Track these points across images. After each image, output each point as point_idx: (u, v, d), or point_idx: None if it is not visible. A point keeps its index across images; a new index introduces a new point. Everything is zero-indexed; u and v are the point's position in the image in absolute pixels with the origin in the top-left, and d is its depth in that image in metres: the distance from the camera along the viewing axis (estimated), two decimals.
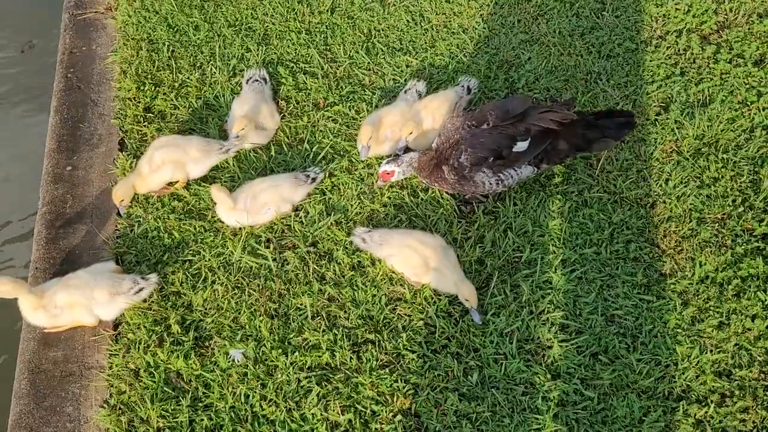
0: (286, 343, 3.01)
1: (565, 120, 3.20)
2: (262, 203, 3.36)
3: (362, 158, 3.64)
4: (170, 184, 3.65)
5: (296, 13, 4.66)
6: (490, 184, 3.28)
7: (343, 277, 3.24)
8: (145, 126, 4.01)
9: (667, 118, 3.90)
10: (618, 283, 3.20)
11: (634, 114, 3.55)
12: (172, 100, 4.13)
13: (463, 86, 3.88)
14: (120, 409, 2.85)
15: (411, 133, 3.60)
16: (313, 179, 3.56)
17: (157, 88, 4.21)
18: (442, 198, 3.54)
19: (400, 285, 3.19)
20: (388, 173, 3.40)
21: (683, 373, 2.89)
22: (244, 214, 3.35)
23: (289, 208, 3.47)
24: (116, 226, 3.54)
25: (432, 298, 3.14)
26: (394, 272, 3.23)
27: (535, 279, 3.20)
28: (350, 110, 4.02)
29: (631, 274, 3.23)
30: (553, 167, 3.61)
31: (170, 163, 3.50)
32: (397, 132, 3.69)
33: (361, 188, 3.62)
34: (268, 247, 3.37)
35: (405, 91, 3.95)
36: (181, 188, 3.63)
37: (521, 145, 3.20)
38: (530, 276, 3.22)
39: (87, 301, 2.97)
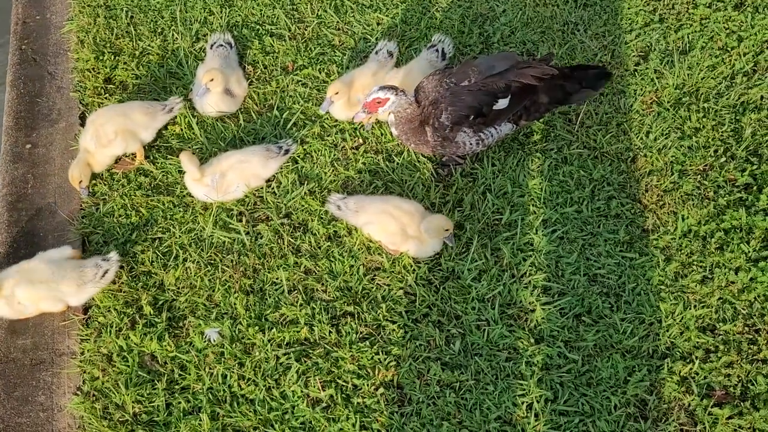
0: (263, 320, 2.92)
1: (545, 75, 3.08)
2: (230, 181, 3.24)
3: (321, 111, 3.49)
4: (129, 156, 3.50)
5: None
6: (471, 144, 3.17)
7: (319, 248, 3.14)
8: (106, 98, 3.83)
9: (647, 68, 3.79)
10: (600, 242, 3.13)
11: (605, 67, 3.43)
12: (133, 69, 3.94)
13: (437, 50, 3.72)
14: (94, 395, 2.77)
15: (337, 93, 3.44)
16: (286, 151, 3.43)
17: (117, 58, 4.02)
18: (419, 162, 3.43)
19: (378, 254, 3.11)
20: (379, 102, 3.05)
21: (667, 331, 2.85)
22: (212, 190, 3.23)
23: (261, 182, 3.35)
24: (81, 205, 3.40)
25: (411, 266, 3.06)
26: (371, 241, 3.14)
27: (516, 241, 3.13)
28: (320, 73, 3.87)
29: (613, 232, 3.17)
30: (531, 123, 3.50)
31: (122, 134, 3.36)
32: None
33: (334, 155, 3.49)
34: (240, 221, 3.26)
35: (375, 52, 3.80)
36: (144, 160, 3.49)
37: (502, 103, 3.08)
38: (511, 238, 3.15)
39: (54, 294, 2.86)
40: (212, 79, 3.53)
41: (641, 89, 3.71)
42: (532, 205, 3.27)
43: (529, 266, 3.05)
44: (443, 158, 3.39)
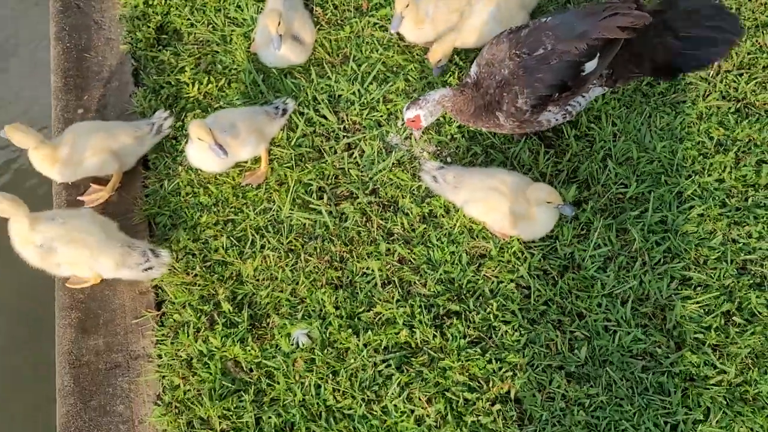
0: (356, 320, 2.58)
1: (636, 25, 2.31)
2: (246, 134, 2.82)
3: (392, 30, 3.03)
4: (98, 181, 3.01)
5: None
6: (557, 119, 2.63)
7: (414, 231, 2.74)
8: (159, 50, 3.40)
9: None
10: (749, 219, 2.63)
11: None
12: (187, 15, 3.47)
13: None
14: (176, 407, 2.51)
15: (407, 6, 2.96)
16: (284, 111, 2.98)
17: (168, 2, 3.54)
18: None
19: (483, 238, 2.69)
20: (413, 120, 2.69)
21: None
22: (220, 151, 2.69)
23: (265, 147, 2.93)
24: (144, 181, 3.05)
25: (522, 253, 2.64)
26: (474, 223, 2.71)
27: (646, 221, 2.65)
28: None
29: (765, 207, 2.65)
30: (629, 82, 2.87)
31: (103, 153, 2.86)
32: (444, 11, 3.03)
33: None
34: (321, 199, 2.86)
35: None
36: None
37: (589, 66, 2.42)
38: (639, 217, 2.67)
39: (90, 263, 2.59)
40: (279, 22, 3.02)
41: None
42: (663, 174, 2.76)
43: (664, 252, 2.59)
44: None
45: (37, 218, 2.55)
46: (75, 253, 2.55)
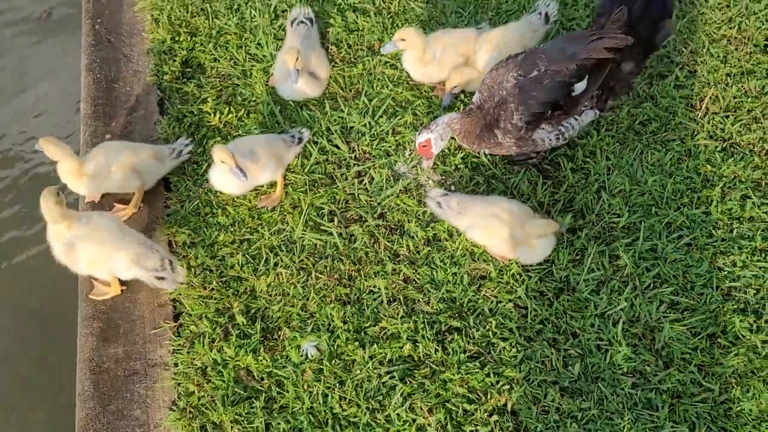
0: (362, 334, 2.73)
1: (620, 45, 2.60)
2: (265, 159, 3.02)
3: (383, 51, 3.37)
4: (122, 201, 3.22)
5: None
6: (550, 140, 2.85)
7: (419, 253, 2.91)
8: (183, 82, 3.63)
9: None
10: (734, 249, 2.80)
11: None
12: (210, 51, 3.72)
13: (540, 13, 3.36)
14: (190, 412, 2.64)
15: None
16: (300, 139, 3.20)
17: (194, 38, 3.80)
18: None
19: (484, 261, 2.86)
20: (424, 145, 2.91)
21: None
22: (241, 174, 2.89)
23: (282, 173, 3.14)
24: (166, 202, 3.24)
25: (521, 276, 2.80)
26: (475, 246, 2.89)
27: (638, 248, 2.82)
28: None
29: (749, 238, 2.83)
30: (620, 99, 3.14)
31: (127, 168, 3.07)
32: (451, 55, 3.30)
33: None
34: (332, 221, 3.04)
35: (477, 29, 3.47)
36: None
37: (579, 87, 2.71)
38: (631, 245, 2.84)
39: (107, 261, 2.76)
40: (297, 58, 3.26)
41: None
42: (654, 205, 2.94)
43: (654, 278, 2.75)
44: (514, 156, 3.08)
45: (73, 217, 2.74)
46: (94, 249, 2.73)
